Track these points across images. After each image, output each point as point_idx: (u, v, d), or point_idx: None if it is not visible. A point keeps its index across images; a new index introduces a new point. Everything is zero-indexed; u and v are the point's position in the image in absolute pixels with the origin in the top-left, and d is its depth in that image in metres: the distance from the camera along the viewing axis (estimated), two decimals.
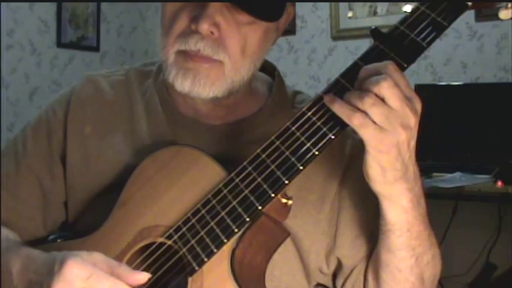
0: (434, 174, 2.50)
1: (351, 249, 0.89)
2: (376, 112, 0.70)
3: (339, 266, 0.91)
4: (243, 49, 0.84)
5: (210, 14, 0.81)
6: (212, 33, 0.82)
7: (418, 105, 0.73)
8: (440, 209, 2.80)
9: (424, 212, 0.80)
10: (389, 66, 0.72)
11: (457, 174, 2.46)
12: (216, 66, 0.84)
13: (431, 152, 2.71)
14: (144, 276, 0.74)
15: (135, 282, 0.74)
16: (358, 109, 0.71)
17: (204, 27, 0.81)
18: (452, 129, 2.77)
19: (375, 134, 0.71)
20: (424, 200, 0.80)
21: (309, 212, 0.88)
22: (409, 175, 0.76)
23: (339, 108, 0.73)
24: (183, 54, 0.84)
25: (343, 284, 0.91)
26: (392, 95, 0.70)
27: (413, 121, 0.72)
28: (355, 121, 0.71)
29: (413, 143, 0.74)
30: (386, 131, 0.71)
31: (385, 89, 0.70)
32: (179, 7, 0.85)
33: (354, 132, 0.74)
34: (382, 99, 0.70)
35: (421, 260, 0.82)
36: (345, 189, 0.90)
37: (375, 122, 0.70)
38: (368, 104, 0.70)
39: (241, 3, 0.80)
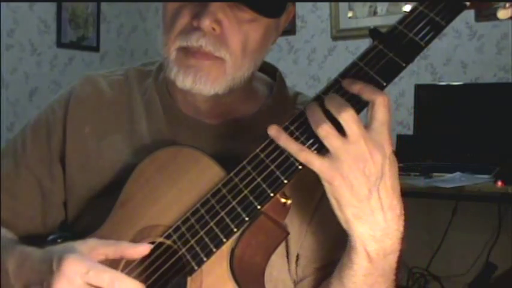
0: (434, 174, 2.49)
1: (311, 252, 0.88)
2: (329, 143, 0.70)
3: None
4: (244, 46, 0.84)
5: (212, 10, 0.81)
6: (214, 29, 0.82)
7: (386, 145, 0.72)
8: (440, 209, 2.81)
9: (390, 268, 0.77)
10: (380, 98, 0.72)
11: (457, 174, 2.45)
12: (217, 64, 0.84)
13: (431, 152, 2.72)
14: (145, 248, 0.75)
15: (138, 255, 0.75)
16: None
17: (206, 23, 0.81)
18: (452, 129, 2.77)
19: (322, 167, 0.71)
20: (396, 257, 0.77)
21: (298, 214, 0.88)
22: (376, 221, 0.73)
23: (286, 144, 0.73)
24: (185, 51, 0.84)
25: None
26: (351, 129, 0.70)
27: (368, 158, 0.70)
28: (302, 158, 0.72)
29: (374, 180, 0.71)
30: (334, 162, 0.71)
31: (346, 121, 0.70)
32: (181, 4, 0.85)
33: None
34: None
35: None
36: (322, 207, 0.88)
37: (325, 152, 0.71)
38: (323, 132, 0.71)
39: None
